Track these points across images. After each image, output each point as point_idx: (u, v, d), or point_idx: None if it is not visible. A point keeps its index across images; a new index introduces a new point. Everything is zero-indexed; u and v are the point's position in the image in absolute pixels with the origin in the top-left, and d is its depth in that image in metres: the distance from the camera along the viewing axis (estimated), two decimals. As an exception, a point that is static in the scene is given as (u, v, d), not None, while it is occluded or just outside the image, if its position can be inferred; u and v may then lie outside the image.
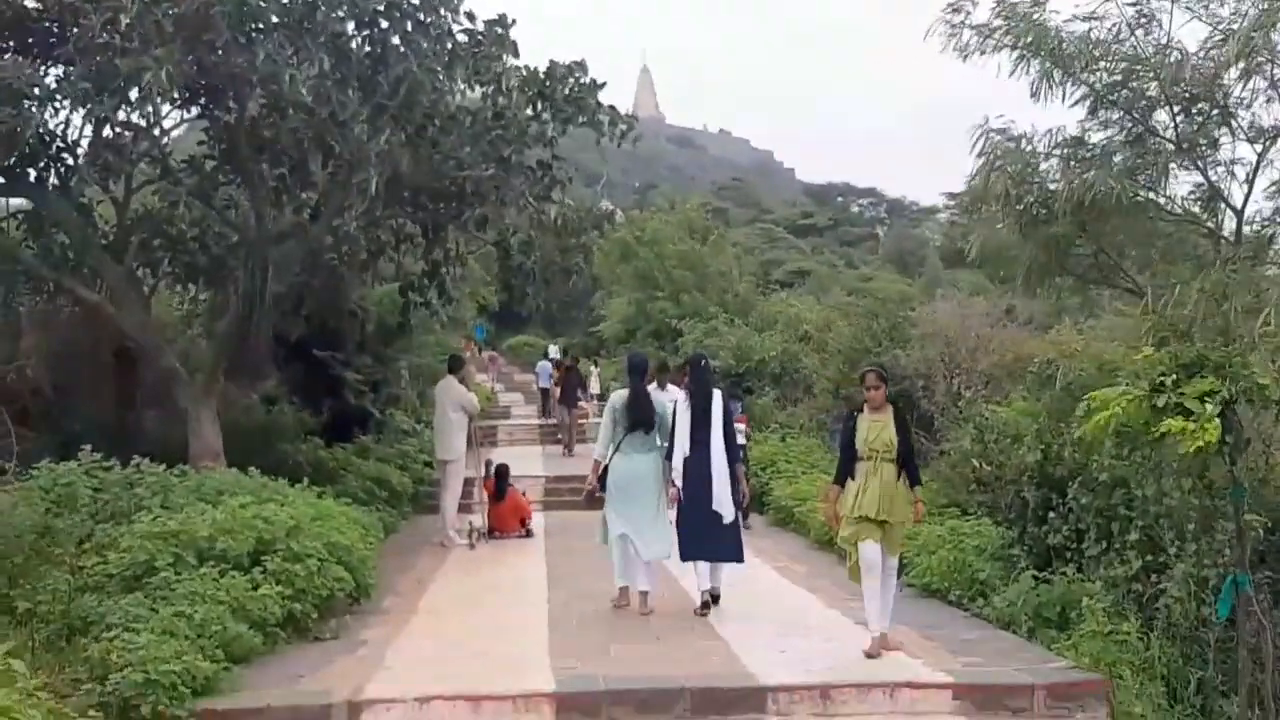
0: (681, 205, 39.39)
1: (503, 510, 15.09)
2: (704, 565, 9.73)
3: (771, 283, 44.63)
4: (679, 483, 9.69)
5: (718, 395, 9.98)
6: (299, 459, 15.79)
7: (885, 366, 8.40)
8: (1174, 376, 6.83)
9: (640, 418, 9.90)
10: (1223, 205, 9.43)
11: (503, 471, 15.37)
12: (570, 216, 16.20)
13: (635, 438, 9.92)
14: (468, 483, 15.21)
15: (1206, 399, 6.63)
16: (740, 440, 14.11)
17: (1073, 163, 9.22)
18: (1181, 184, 9.60)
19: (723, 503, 9.59)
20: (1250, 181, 9.15)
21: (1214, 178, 9.44)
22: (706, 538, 9.60)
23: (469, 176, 14.30)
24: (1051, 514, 9.48)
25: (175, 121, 14.99)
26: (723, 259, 32.80)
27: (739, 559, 9.87)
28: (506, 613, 9.95)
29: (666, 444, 9.86)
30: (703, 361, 10.48)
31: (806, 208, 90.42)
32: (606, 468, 10.02)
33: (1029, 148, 9.52)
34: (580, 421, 25.52)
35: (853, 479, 8.30)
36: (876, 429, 8.21)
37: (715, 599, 9.76)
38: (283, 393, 18.90)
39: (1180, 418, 6.62)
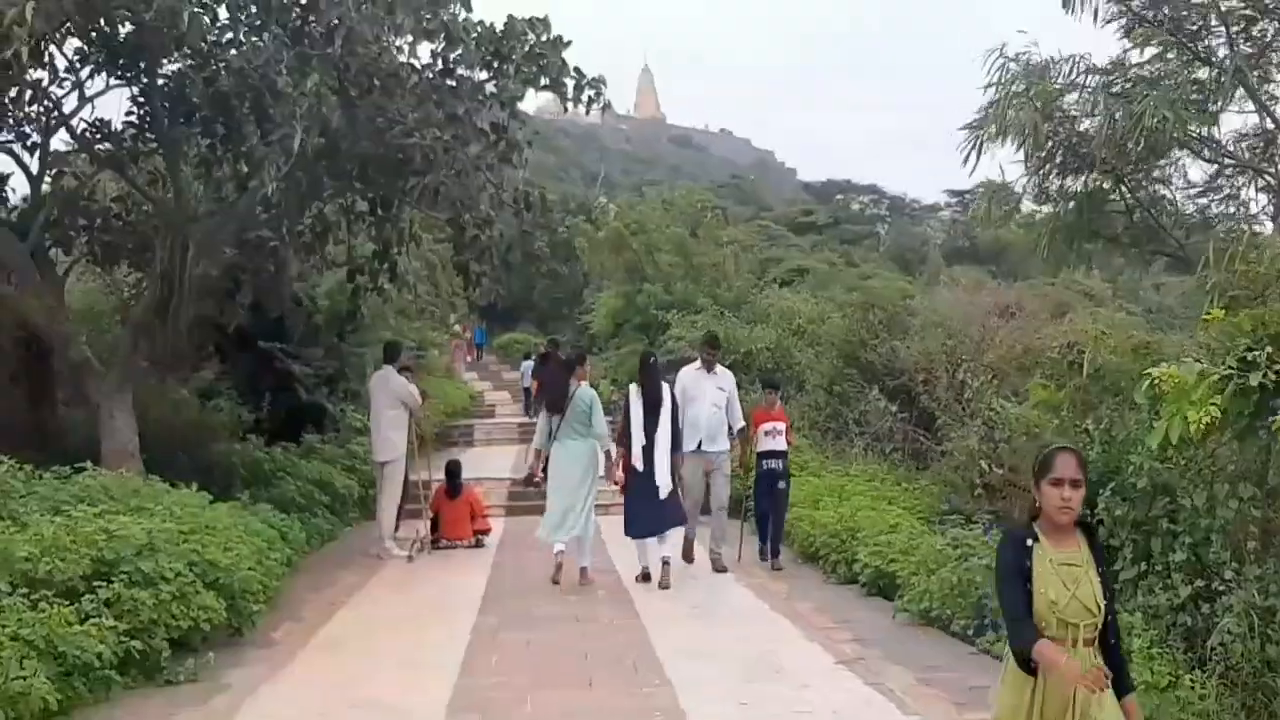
0: (676, 200, 37.80)
1: (457, 511, 13.50)
2: (650, 543, 10.56)
3: (771, 280, 42.98)
4: (640, 467, 10.45)
5: (667, 390, 10.78)
6: (233, 460, 14.26)
7: (1077, 451, 4.17)
8: (1267, 350, 5.09)
9: (555, 403, 10.74)
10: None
11: (454, 469, 13.87)
12: (533, 194, 14.57)
13: (568, 427, 10.62)
14: (417, 486, 13.59)
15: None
16: (781, 445, 12.17)
17: (1110, 93, 7.51)
18: (1233, 122, 7.93)
19: (662, 483, 10.41)
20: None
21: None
22: (652, 518, 10.47)
23: (417, 144, 12.73)
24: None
25: (101, 88, 13.27)
26: (715, 251, 31.09)
27: (682, 521, 10.88)
28: (418, 645, 8.31)
29: (601, 431, 10.80)
30: (651, 359, 11.28)
31: (807, 205, 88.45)
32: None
33: (1053, 78, 7.80)
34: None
35: (1027, 672, 4.00)
36: (1070, 578, 4.00)
37: (666, 563, 10.47)
38: (224, 387, 17.35)
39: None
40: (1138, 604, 6.96)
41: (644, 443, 10.45)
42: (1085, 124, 7.65)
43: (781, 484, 12.02)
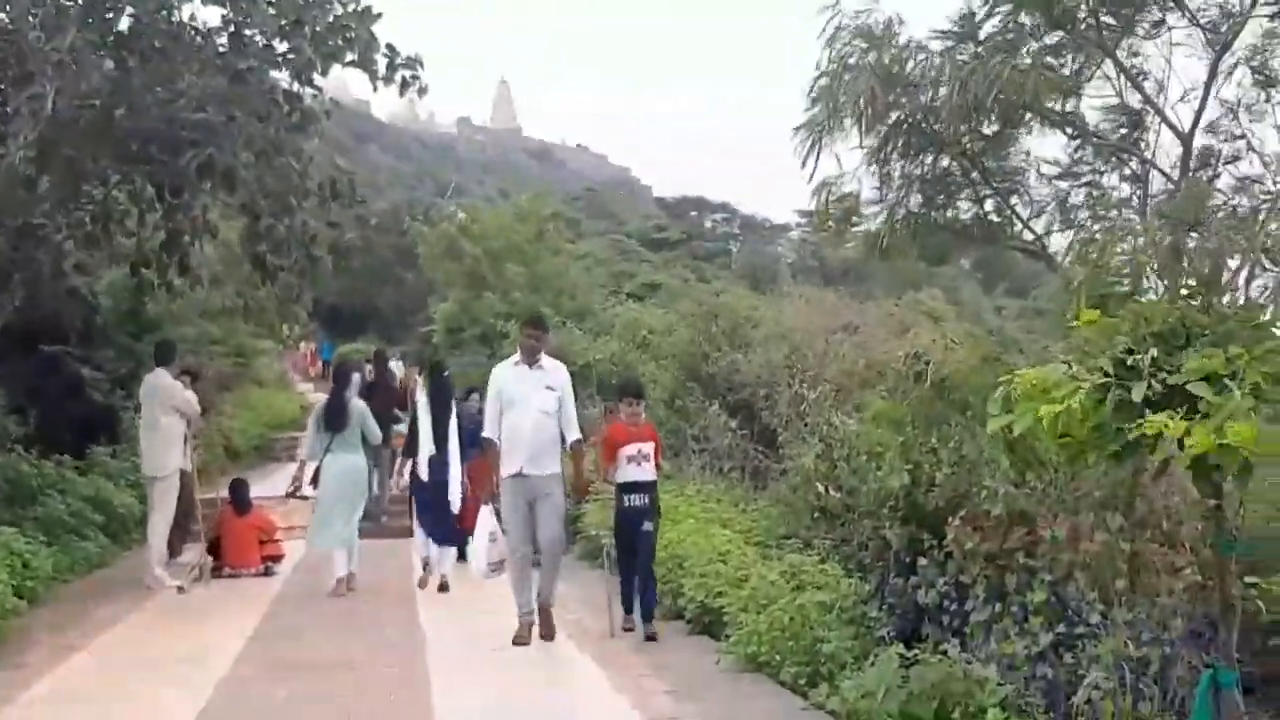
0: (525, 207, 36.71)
1: (243, 534, 12.01)
2: (438, 552, 10.89)
3: (622, 294, 42.23)
4: (424, 476, 10.82)
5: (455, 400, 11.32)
6: (-10, 474, 12.53)
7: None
8: (1152, 353, 4.11)
9: (333, 420, 10.76)
10: (1153, 129, 6.91)
11: (239, 486, 12.58)
12: (341, 181, 13.19)
13: (342, 439, 10.68)
14: (197, 506, 12.12)
15: (1220, 381, 3.92)
16: (648, 474, 9.10)
17: (959, 57, 6.58)
18: (1104, 97, 7.07)
19: (453, 497, 10.72)
20: (1205, 87, 6.66)
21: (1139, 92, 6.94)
22: (442, 525, 10.85)
23: (203, 119, 11.31)
24: (923, 561, 6.84)
25: None
26: (558, 259, 30.01)
27: (452, 542, 10.93)
28: (150, 703, 6.92)
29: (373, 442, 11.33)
30: (444, 372, 11.58)
31: (660, 221, 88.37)
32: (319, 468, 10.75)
33: (894, 41, 6.84)
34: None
35: None
36: None
37: (444, 587, 10.70)
38: (-2, 393, 15.44)
39: (1175, 414, 3.88)
40: (991, 651, 5.99)
41: (432, 452, 10.75)
42: (930, 94, 6.69)
43: (647, 525, 8.98)
